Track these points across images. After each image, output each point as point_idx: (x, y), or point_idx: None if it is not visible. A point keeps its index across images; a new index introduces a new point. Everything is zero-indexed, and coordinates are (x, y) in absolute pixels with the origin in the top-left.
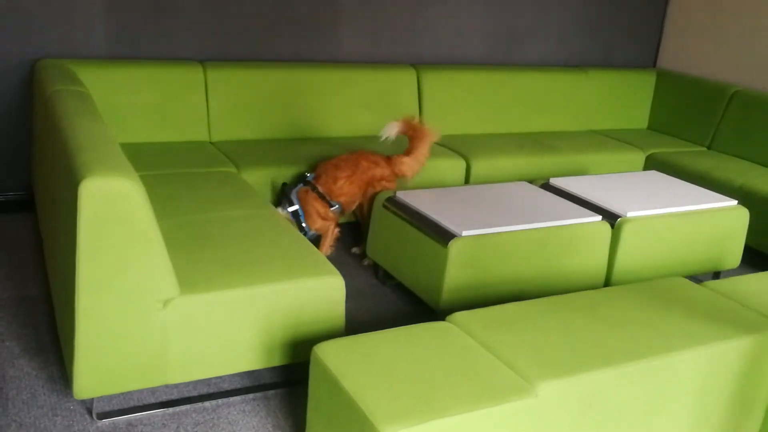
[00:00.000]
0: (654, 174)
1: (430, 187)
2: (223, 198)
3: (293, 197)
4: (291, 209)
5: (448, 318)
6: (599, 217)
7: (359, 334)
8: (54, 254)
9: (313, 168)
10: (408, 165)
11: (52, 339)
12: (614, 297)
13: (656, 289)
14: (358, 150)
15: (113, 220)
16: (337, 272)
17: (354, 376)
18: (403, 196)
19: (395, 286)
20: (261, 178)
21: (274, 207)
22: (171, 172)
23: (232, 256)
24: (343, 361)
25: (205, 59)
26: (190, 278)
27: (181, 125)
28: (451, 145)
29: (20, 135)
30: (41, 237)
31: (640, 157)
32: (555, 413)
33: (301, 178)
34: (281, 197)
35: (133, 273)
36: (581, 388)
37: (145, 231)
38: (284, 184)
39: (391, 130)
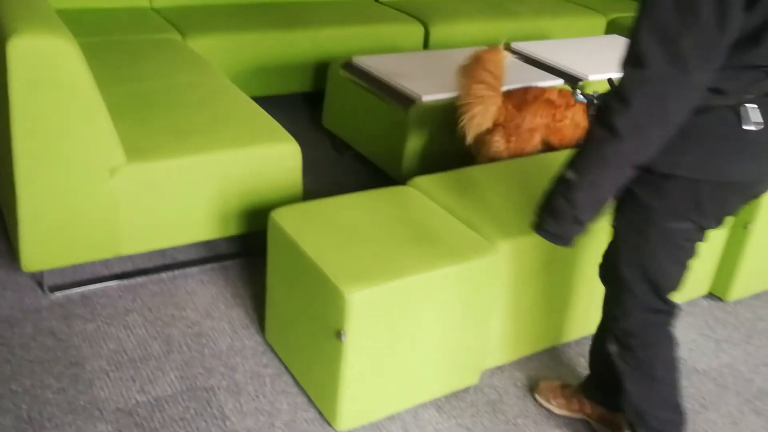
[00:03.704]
0: (615, 38)
1: (389, 53)
2: (168, 66)
3: None
4: None
5: (408, 182)
6: (561, 81)
7: (318, 199)
8: None
9: None
10: None
11: None
12: None
13: None
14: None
15: (47, 81)
16: (293, 139)
17: (313, 239)
18: (360, 61)
19: (353, 157)
20: (209, 47)
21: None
22: (109, 39)
23: (181, 123)
24: (301, 225)
25: None
26: (137, 146)
27: None
28: (408, 10)
29: None
30: None
31: (601, 22)
32: (515, 271)
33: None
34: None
35: (74, 138)
36: (541, 246)
37: (83, 93)
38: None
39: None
